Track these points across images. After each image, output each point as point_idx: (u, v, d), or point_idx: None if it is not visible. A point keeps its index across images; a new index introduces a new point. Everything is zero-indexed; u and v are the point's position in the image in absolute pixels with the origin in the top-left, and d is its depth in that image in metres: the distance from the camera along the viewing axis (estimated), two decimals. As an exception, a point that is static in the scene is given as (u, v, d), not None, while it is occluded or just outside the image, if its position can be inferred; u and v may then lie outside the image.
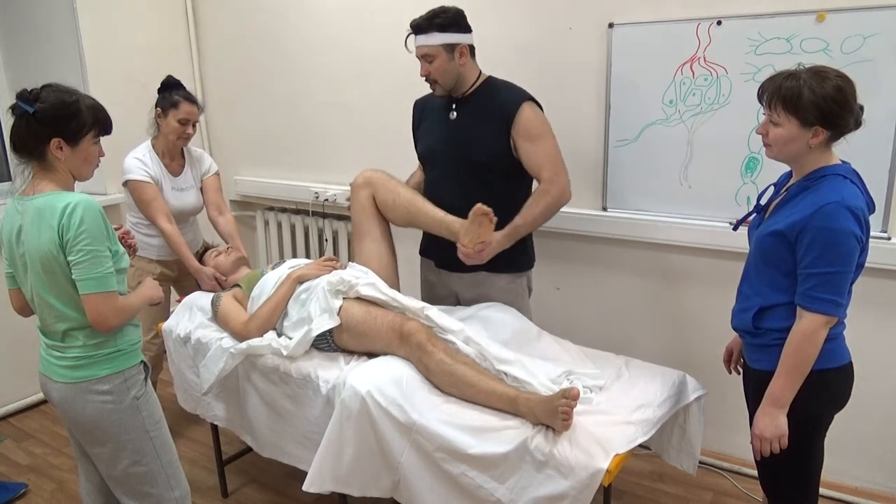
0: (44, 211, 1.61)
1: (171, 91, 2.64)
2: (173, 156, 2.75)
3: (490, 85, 2.28)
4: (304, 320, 2.13)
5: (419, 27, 2.17)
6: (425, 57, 2.19)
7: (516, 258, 2.34)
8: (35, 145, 1.64)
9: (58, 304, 1.67)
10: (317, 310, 2.10)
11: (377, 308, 2.09)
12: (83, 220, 1.59)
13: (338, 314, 2.08)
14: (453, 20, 2.17)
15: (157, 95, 2.68)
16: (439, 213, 2.21)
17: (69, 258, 1.61)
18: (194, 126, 2.69)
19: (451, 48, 2.17)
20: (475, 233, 2.11)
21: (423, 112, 2.44)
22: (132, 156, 2.65)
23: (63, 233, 1.59)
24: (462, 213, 2.18)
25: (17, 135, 1.64)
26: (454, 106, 2.30)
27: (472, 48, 2.23)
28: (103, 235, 1.64)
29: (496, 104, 2.22)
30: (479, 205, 2.07)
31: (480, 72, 2.29)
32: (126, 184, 2.65)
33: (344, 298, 2.12)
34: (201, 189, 2.86)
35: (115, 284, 1.67)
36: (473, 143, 2.24)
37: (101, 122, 1.70)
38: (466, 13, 2.71)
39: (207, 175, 2.87)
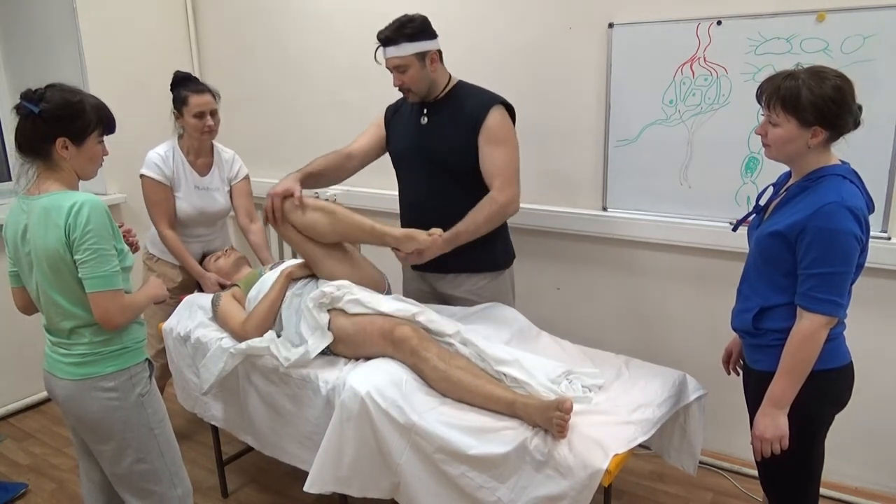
0: (50, 210, 1.62)
1: (178, 89, 2.57)
2: (199, 153, 2.68)
3: (460, 89, 2.28)
4: (297, 335, 2.12)
5: (388, 39, 2.14)
6: (398, 68, 2.17)
7: (494, 257, 2.35)
8: (40, 145, 1.64)
9: (64, 303, 1.68)
10: (307, 329, 2.08)
11: (364, 316, 2.06)
12: (89, 220, 1.60)
13: (328, 329, 2.07)
14: (421, 28, 2.15)
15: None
16: (368, 225, 2.15)
17: (75, 257, 1.62)
18: (214, 116, 2.59)
19: (422, 56, 2.16)
20: (413, 244, 2.12)
21: (395, 116, 2.42)
22: (153, 151, 2.60)
23: (69, 232, 1.60)
24: (439, 213, 2.19)
25: (23, 135, 1.65)
26: (425, 111, 2.29)
27: (440, 53, 2.22)
28: (109, 234, 1.65)
29: (466, 108, 2.22)
30: (438, 234, 2.09)
31: (450, 76, 2.28)
32: (141, 177, 2.60)
33: (329, 311, 2.10)
34: (231, 194, 2.78)
35: (121, 283, 1.68)
36: (444, 148, 2.24)
37: (105, 122, 1.71)
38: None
39: (237, 180, 2.79)
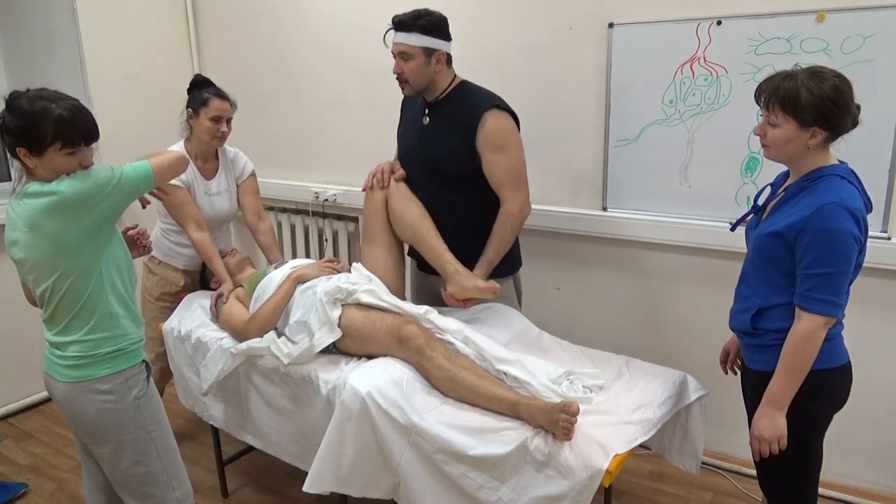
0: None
1: (200, 90, 2.52)
2: (207, 158, 2.62)
3: (462, 91, 2.25)
4: (304, 326, 2.12)
5: (402, 24, 2.13)
6: (402, 54, 2.16)
7: (500, 263, 2.31)
8: (12, 152, 1.63)
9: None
10: (316, 322, 2.08)
11: (376, 312, 2.08)
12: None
13: (338, 325, 2.07)
14: (436, 25, 2.14)
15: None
16: (440, 247, 2.19)
17: None
18: (228, 123, 2.57)
19: (429, 52, 2.14)
20: (472, 293, 2.14)
21: (406, 111, 2.43)
22: None
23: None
24: (435, 215, 2.20)
25: (2, 140, 1.65)
26: (427, 111, 2.28)
27: (449, 56, 2.21)
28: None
29: (463, 112, 2.19)
30: (496, 286, 2.13)
31: (455, 76, 2.26)
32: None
33: (343, 305, 2.11)
34: (237, 193, 2.73)
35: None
36: (441, 153, 2.23)
37: (63, 135, 1.60)
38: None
39: (243, 178, 2.73)
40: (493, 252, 2.21)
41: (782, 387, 1.58)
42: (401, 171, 2.30)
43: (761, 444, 1.62)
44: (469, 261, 2.20)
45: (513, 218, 2.21)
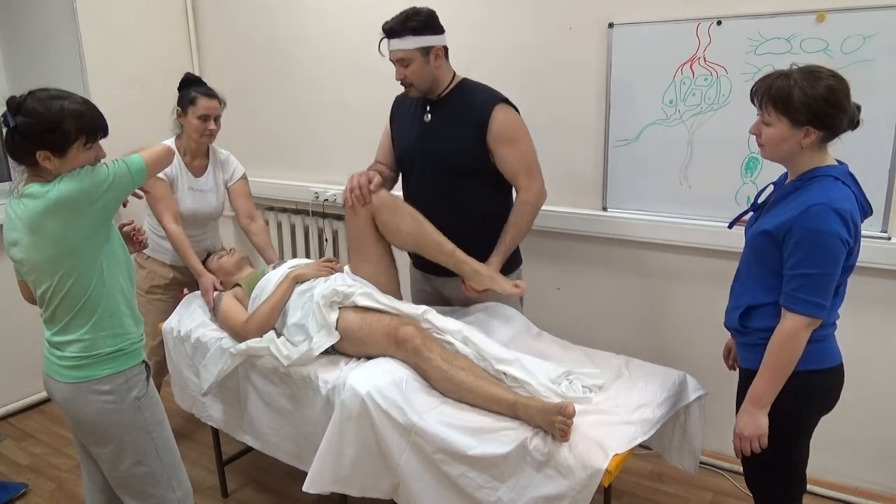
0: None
1: (188, 88, 2.56)
2: (196, 155, 2.66)
3: (464, 87, 2.25)
4: (302, 329, 2.12)
5: (392, 31, 2.12)
6: (400, 61, 2.14)
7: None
8: (24, 156, 1.62)
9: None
10: (314, 326, 2.08)
11: (373, 314, 2.07)
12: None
13: (335, 328, 2.07)
14: (426, 22, 2.12)
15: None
16: (448, 247, 2.15)
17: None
18: (217, 121, 2.59)
19: (426, 51, 2.13)
20: (488, 285, 2.13)
21: (400, 109, 2.40)
22: None
23: None
24: (441, 214, 2.18)
25: (7, 145, 1.63)
26: (428, 108, 2.27)
27: (445, 49, 2.20)
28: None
29: (469, 108, 2.19)
30: (523, 289, 2.13)
31: (454, 73, 2.26)
32: None
33: (340, 308, 2.10)
34: (229, 195, 2.77)
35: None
36: (448, 148, 2.22)
37: (87, 130, 1.61)
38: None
39: (233, 181, 2.77)
40: (510, 240, 2.22)
41: (765, 386, 1.58)
42: (377, 179, 2.18)
43: (742, 441, 1.62)
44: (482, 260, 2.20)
45: (529, 206, 2.22)
